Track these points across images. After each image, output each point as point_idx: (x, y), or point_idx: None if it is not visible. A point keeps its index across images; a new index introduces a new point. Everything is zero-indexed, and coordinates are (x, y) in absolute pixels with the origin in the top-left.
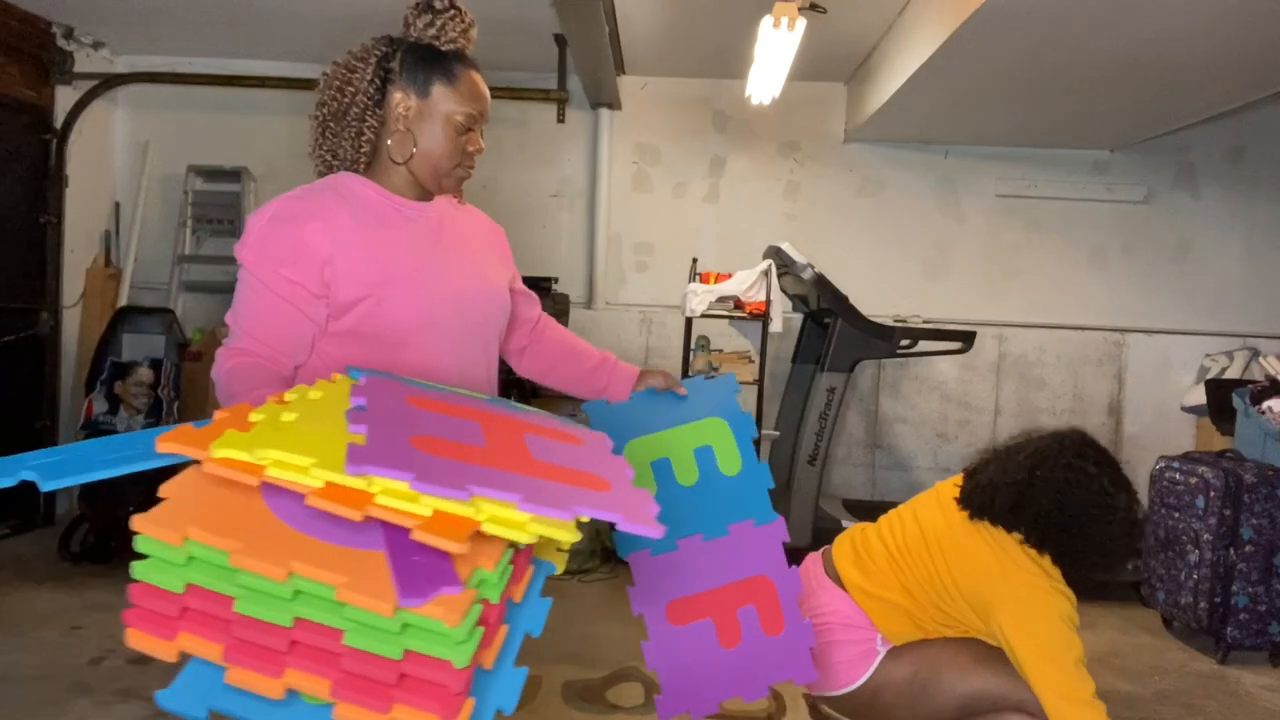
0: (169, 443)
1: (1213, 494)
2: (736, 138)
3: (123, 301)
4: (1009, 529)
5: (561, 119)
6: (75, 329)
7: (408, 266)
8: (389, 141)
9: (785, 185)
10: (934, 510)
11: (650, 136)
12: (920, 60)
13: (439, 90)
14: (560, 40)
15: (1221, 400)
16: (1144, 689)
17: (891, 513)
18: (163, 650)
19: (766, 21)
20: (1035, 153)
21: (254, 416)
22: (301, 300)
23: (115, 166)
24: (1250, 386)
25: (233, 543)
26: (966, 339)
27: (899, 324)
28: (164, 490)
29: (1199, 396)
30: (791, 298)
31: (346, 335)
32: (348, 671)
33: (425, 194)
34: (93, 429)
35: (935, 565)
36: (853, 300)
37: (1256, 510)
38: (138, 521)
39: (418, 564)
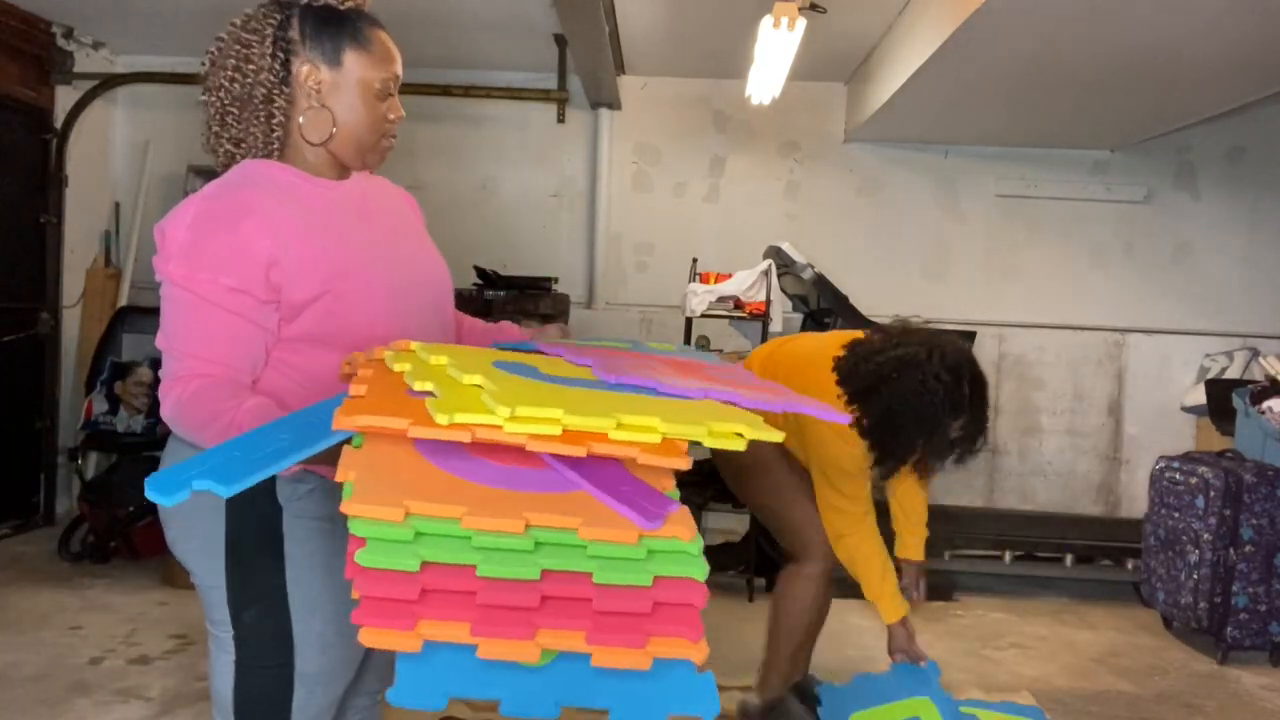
0: (357, 417)
1: (1213, 494)
2: (736, 138)
3: (123, 301)
4: (840, 384)
5: (561, 119)
6: (75, 329)
7: (357, 254)
8: (300, 120)
9: (785, 185)
10: (827, 345)
11: (650, 136)
12: (920, 60)
13: (351, 57)
14: (560, 40)
15: (1221, 400)
16: (1144, 689)
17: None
18: (404, 643)
19: (766, 21)
20: (1035, 153)
21: (420, 384)
22: (249, 309)
23: (115, 166)
24: (1250, 386)
25: (457, 508)
26: (966, 339)
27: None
28: (342, 475)
29: (1199, 396)
30: (791, 298)
31: (303, 339)
32: (601, 613)
33: (343, 172)
34: (93, 429)
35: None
36: (853, 300)
37: (1256, 510)
38: (348, 506)
39: (630, 492)
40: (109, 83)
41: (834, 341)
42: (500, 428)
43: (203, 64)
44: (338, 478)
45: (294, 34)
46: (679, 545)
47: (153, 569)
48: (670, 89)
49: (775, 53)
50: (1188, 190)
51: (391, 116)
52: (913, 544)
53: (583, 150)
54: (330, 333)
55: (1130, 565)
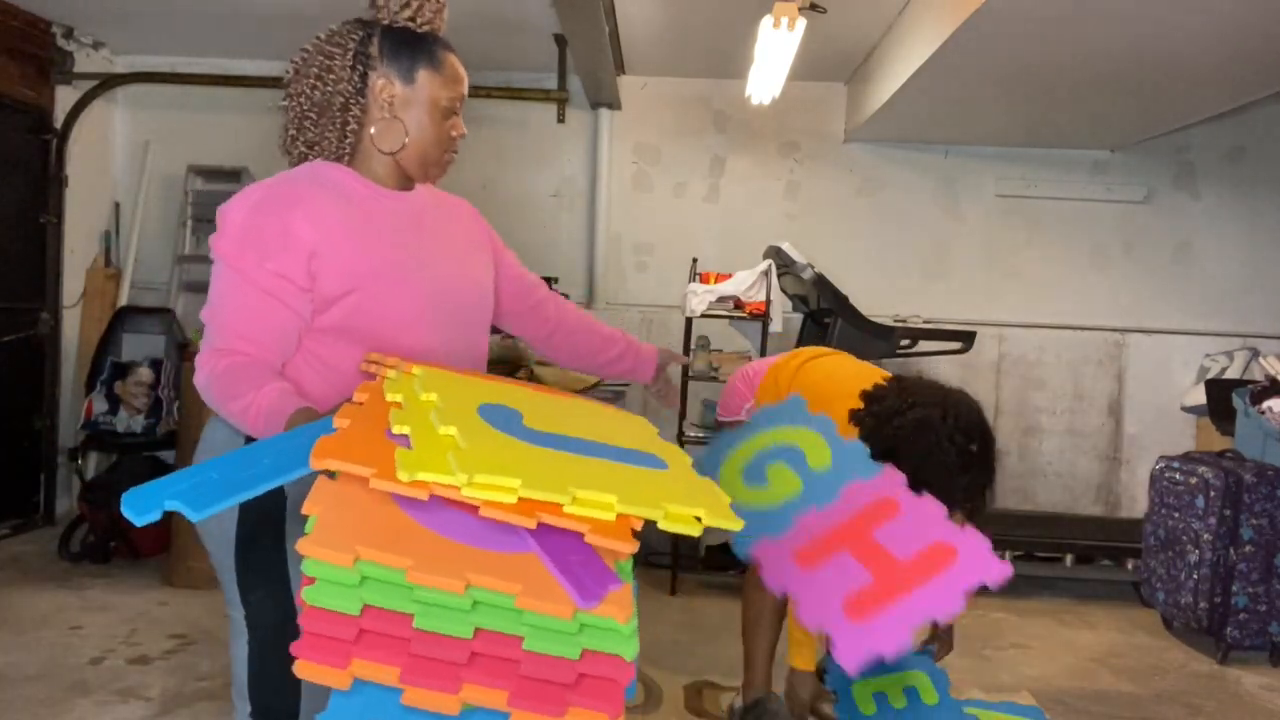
0: (328, 459)
1: (1213, 494)
2: (736, 138)
3: (123, 301)
4: (863, 439)
5: (561, 119)
6: (75, 329)
7: (395, 259)
8: (371, 130)
9: (785, 185)
10: (849, 385)
11: (650, 136)
12: (920, 60)
13: (424, 76)
14: (560, 40)
15: (1221, 400)
16: (1144, 689)
17: (837, 355)
18: (335, 679)
19: (766, 21)
20: (1035, 153)
21: (398, 428)
22: (289, 294)
23: (115, 166)
24: (1250, 386)
25: (405, 559)
26: (966, 339)
27: (899, 324)
28: (309, 508)
29: (1199, 396)
30: (791, 298)
31: (331, 332)
32: (525, 678)
33: (407, 183)
34: (93, 429)
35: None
36: (853, 300)
37: (1256, 510)
38: (303, 545)
39: (577, 563)
40: (109, 83)
41: (856, 380)
42: (458, 489)
43: (286, 71)
44: (304, 510)
45: (374, 51)
46: (611, 624)
47: (153, 569)
48: (670, 89)
49: (775, 53)
50: (1188, 190)
51: (455, 134)
52: None
53: (583, 150)
54: (358, 328)
55: (1130, 565)
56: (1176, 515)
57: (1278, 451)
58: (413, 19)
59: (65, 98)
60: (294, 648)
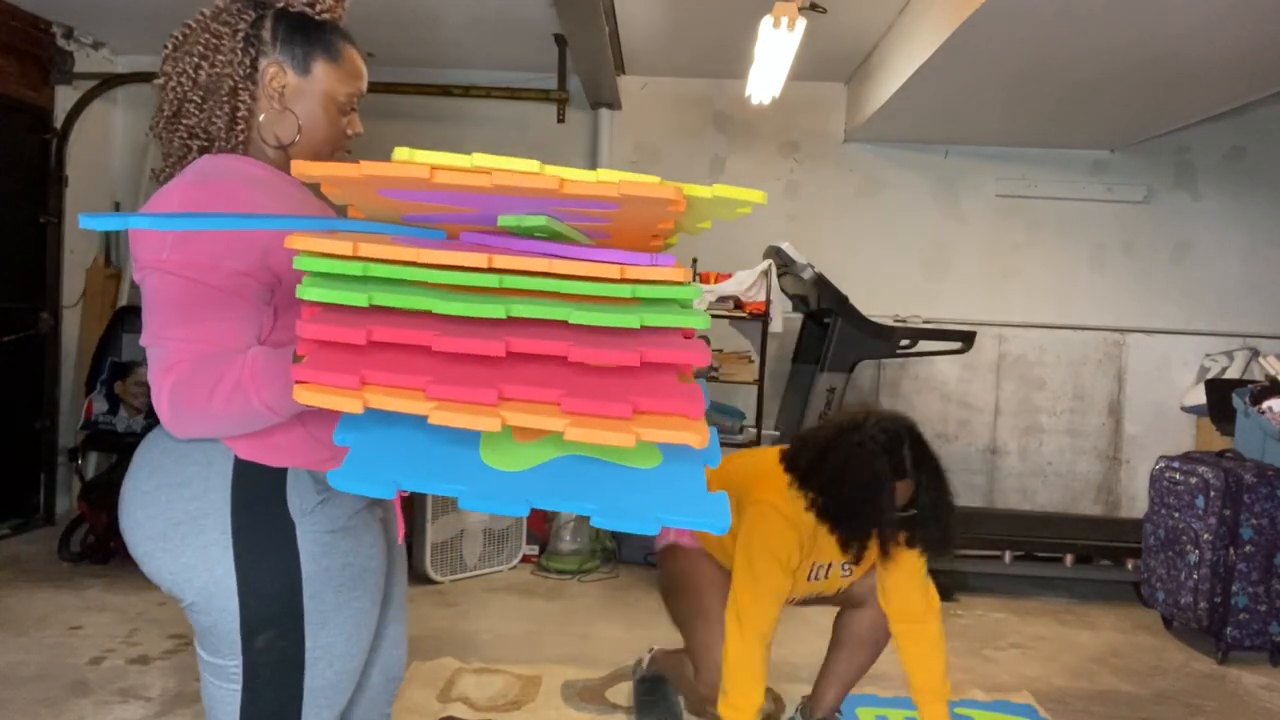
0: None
1: (1213, 494)
2: (736, 138)
3: (123, 301)
4: (788, 471)
5: (561, 119)
6: (75, 329)
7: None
8: (260, 119)
9: (785, 185)
10: (770, 453)
11: (650, 136)
12: (920, 60)
13: (321, 68)
14: (560, 40)
15: (1221, 400)
16: (1144, 689)
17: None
18: (347, 402)
19: (766, 21)
20: (1035, 153)
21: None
22: (250, 290)
23: (115, 166)
24: (1250, 386)
25: (411, 250)
26: (966, 339)
27: (899, 324)
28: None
29: (1199, 396)
30: (791, 298)
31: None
32: (578, 371)
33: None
34: (93, 429)
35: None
36: (853, 300)
37: (1256, 510)
38: (293, 241)
39: (607, 254)
40: (109, 83)
41: (770, 454)
42: (466, 168)
43: (165, 46)
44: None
45: (265, 34)
46: (673, 292)
47: None
48: (670, 89)
49: (775, 53)
50: (1188, 190)
51: (350, 132)
52: (925, 680)
53: (583, 150)
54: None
55: (1130, 565)
56: (1176, 515)
57: (1278, 451)
58: (311, 4)
59: (65, 98)
60: (296, 371)
